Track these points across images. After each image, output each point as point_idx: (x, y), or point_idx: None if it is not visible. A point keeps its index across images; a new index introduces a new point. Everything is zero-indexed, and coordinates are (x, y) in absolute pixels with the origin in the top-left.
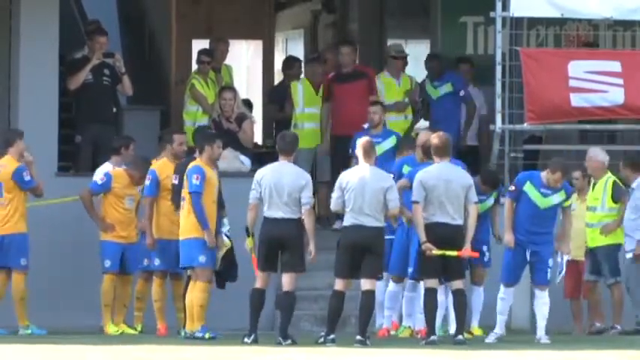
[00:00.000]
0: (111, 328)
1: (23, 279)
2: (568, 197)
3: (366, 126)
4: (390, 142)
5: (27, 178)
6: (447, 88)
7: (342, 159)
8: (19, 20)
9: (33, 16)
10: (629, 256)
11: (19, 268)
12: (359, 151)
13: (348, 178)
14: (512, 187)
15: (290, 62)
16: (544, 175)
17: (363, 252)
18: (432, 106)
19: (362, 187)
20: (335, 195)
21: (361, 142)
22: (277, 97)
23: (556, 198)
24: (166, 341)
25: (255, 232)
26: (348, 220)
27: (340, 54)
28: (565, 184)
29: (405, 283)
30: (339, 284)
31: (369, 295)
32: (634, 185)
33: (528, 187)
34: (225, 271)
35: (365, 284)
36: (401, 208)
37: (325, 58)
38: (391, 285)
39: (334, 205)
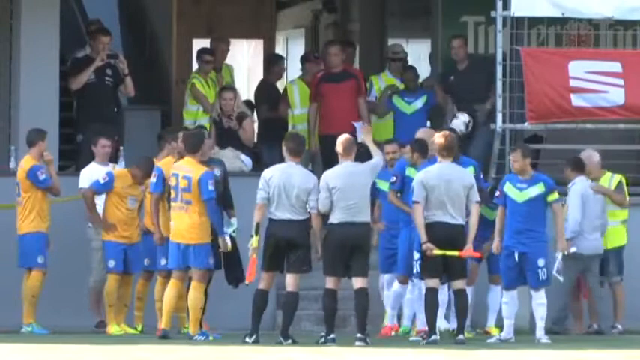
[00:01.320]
0: (114, 329)
1: (40, 277)
2: (550, 191)
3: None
4: None
5: (42, 177)
6: (422, 101)
7: (333, 158)
8: (20, 20)
9: (34, 16)
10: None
11: (36, 266)
12: (339, 148)
13: (332, 176)
14: (498, 193)
15: (274, 60)
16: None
17: (352, 249)
18: (403, 122)
19: (350, 184)
20: (323, 195)
21: (341, 139)
22: (264, 97)
23: (533, 190)
24: (166, 341)
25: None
26: (337, 218)
27: (328, 54)
28: (542, 176)
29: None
30: (330, 282)
31: (363, 292)
32: (569, 185)
33: (507, 187)
34: (231, 271)
35: (357, 282)
36: (401, 205)
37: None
38: (396, 285)
39: (323, 205)
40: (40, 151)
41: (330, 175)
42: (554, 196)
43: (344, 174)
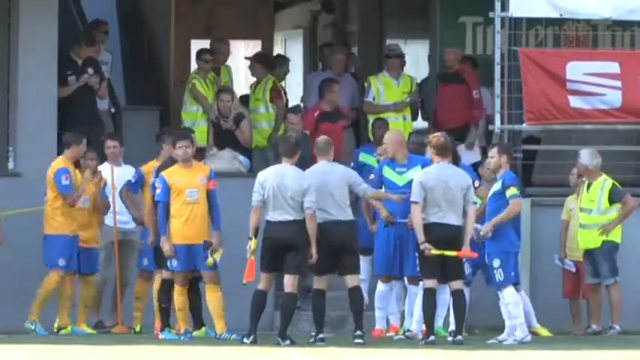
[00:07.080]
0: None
1: (57, 279)
2: (507, 187)
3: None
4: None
5: (64, 181)
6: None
7: None
8: (18, 19)
9: (32, 16)
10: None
11: (55, 267)
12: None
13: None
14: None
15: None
16: None
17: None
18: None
19: (325, 184)
20: (312, 198)
21: (319, 139)
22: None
23: (495, 187)
24: (166, 341)
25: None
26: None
27: (330, 91)
28: (504, 174)
29: (392, 282)
30: (319, 283)
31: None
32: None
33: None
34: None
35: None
36: (377, 205)
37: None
38: (380, 285)
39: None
40: (74, 155)
41: (311, 176)
42: (512, 191)
43: (324, 172)
